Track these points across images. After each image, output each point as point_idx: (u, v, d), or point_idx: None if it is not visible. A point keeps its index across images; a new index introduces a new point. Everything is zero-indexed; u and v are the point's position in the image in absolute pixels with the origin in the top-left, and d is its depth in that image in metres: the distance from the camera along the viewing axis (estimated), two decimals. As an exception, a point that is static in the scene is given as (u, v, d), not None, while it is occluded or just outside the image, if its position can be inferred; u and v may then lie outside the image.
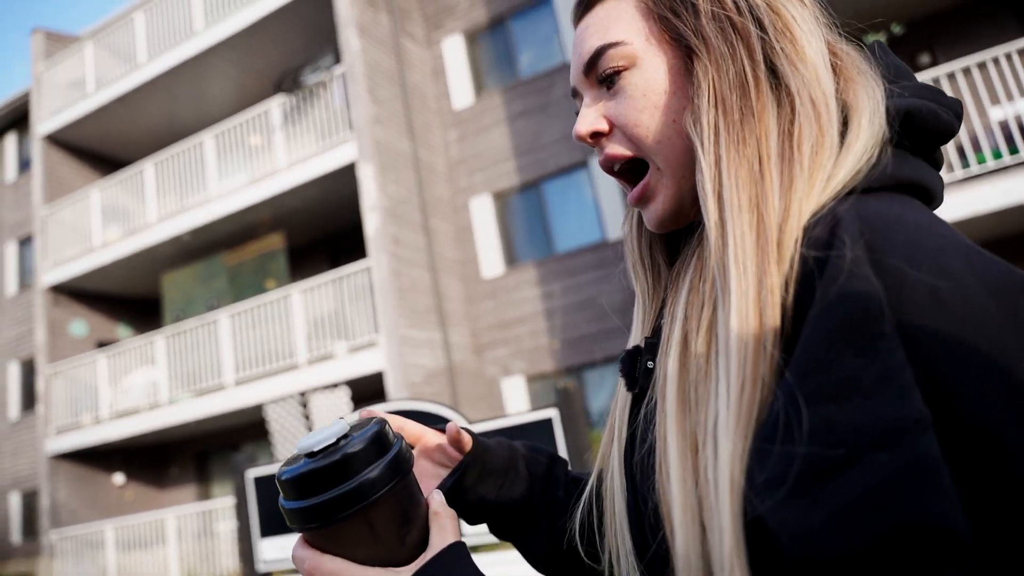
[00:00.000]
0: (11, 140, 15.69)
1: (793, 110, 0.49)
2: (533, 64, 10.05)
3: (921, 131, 0.51)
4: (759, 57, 0.52)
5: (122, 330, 12.30)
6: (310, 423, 8.72)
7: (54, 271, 11.35)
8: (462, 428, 0.68)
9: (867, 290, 0.39)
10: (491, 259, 9.82)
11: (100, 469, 11.29)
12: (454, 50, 10.57)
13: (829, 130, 0.49)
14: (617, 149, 0.58)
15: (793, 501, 0.37)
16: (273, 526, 4.71)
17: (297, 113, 9.43)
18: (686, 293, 0.52)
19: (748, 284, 0.44)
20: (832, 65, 0.53)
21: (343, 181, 9.23)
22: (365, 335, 8.49)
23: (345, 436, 0.51)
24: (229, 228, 10.15)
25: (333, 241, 11.24)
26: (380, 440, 0.51)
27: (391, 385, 7.97)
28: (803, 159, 0.47)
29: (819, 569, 0.36)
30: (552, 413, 2.87)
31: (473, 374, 9.50)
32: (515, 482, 0.70)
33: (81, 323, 11.64)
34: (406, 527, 0.52)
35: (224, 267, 10.22)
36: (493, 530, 0.71)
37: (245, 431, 11.45)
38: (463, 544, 0.52)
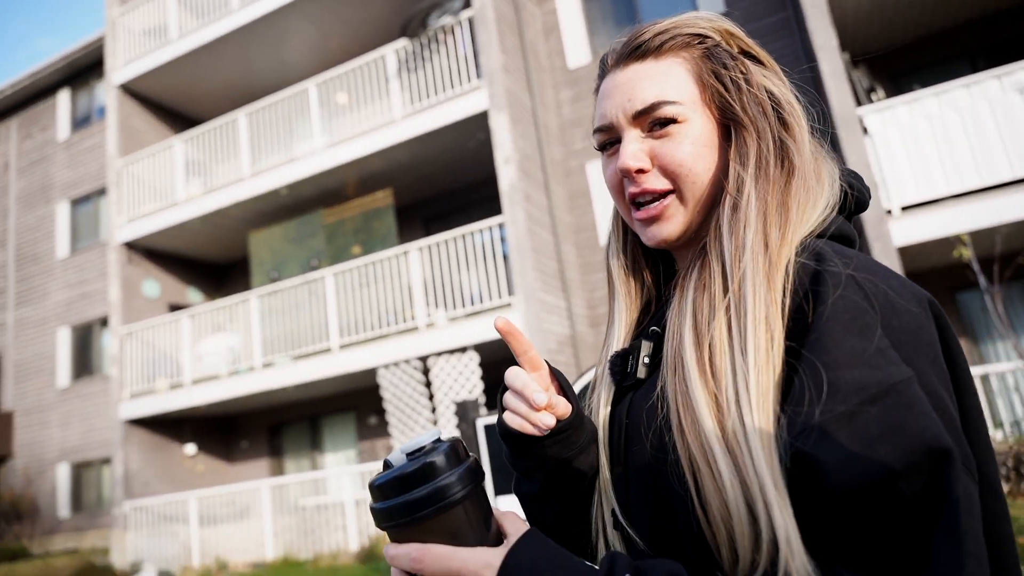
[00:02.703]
0: (64, 97, 14.98)
1: (792, 176, 0.67)
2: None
3: (855, 202, 0.72)
4: (777, 137, 0.68)
5: (193, 294, 11.63)
6: (431, 390, 8.11)
7: (129, 227, 10.68)
8: (564, 400, 0.70)
9: (857, 296, 0.56)
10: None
11: (171, 439, 10.62)
12: (569, 7, 9.98)
13: (812, 192, 0.67)
14: (653, 185, 0.70)
15: (829, 439, 0.50)
16: (509, 483, 4.07)
17: (415, 60, 8.82)
18: (692, 292, 0.65)
19: (760, 293, 0.59)
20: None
21: (466, 133, 8.62)
22: (496, 296, 7.88)
23: (432, 444, 0.60)
24: (330, 183, 9.51)
25: (427, 206, 10.61)
26: (456, 452, 0.60)
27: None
28: (794, 210, 0.65)
29: (861, 490, 0.49)
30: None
31: (592, 347, 8.91)
32: (585, 458, 0.73)
33: (154, 283, 10.97)
34: (482, 525, 0.59)
35: (322, 225, 9.57)
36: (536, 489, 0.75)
37: (327, 403, 10.82)
38: (537, 530, 0.60)
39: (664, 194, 0.70)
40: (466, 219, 9.94)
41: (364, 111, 9.32)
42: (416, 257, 8.31)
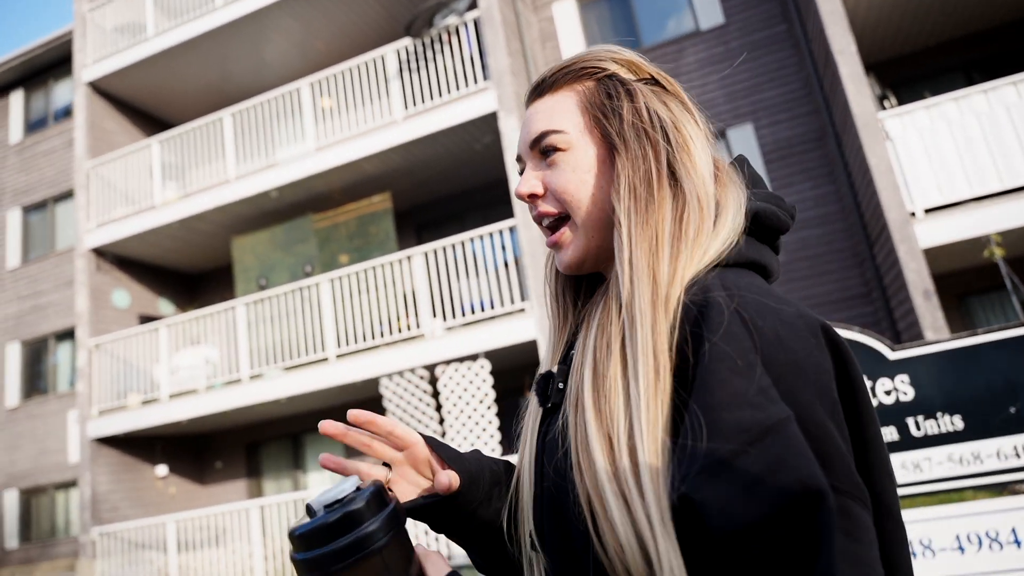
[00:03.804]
0: (17, 98, 14.09)
1: (685, 204, 0.65)
2: (658, 31, 9.48)
3: (766, 226, 0.70)
4: (663, 161, 0.67)
5: (164, 305, 10.96)
6: (438, 400, 7.75)
7: (98, 232, 10.00)
8: (452, 472, 0.75)
9: (741, 333, 0.54)
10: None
11: (141, 459, 9.89)
12: (566, 15, 9.91)
13: (708, 220, 0.65)
14: (547, 208, 0.73)
15: (712, 481, 0.49)
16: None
17: (417, 61, 8.57)
18: (595, 330, 0.65)
19: (647, 330, 0.59)
20: (714, 174, 0.70)
21: (473, 135, 8.39)
22: (508, 302, 7.61)
23: (354, 492, 0.59)
24: (322, 187, 9.11)
25: (421, 211, 10.30)
26: (379, 498, 0.59)
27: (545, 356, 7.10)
28: (688, 240, 0.63)
29: (741, 532, 0.48)
30: None
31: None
32: (489, 506, 0.78)
33: (124, 293, 10.28)
34: (404, 569, 0.59)
35: (313, 230, 9.14)
36: (448, 532, 0.79)
37: (312, 418, 10.28)
38: (457, 572, 0.62)
39: (563, 219, 0.73)
40: (460, 225, 9.68)
41: (360, 112, 8.99)
42: (420, 262, 7.99)
